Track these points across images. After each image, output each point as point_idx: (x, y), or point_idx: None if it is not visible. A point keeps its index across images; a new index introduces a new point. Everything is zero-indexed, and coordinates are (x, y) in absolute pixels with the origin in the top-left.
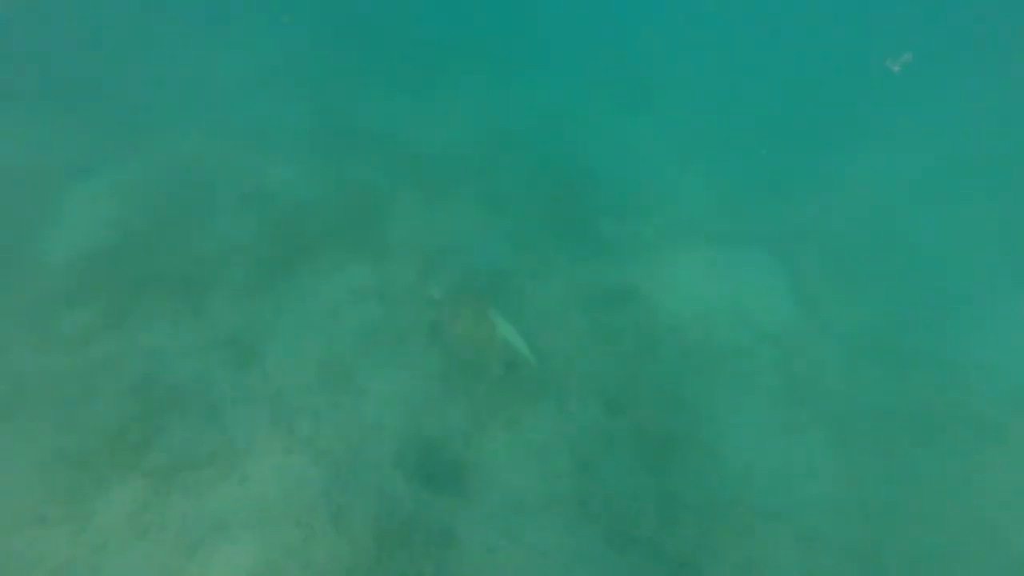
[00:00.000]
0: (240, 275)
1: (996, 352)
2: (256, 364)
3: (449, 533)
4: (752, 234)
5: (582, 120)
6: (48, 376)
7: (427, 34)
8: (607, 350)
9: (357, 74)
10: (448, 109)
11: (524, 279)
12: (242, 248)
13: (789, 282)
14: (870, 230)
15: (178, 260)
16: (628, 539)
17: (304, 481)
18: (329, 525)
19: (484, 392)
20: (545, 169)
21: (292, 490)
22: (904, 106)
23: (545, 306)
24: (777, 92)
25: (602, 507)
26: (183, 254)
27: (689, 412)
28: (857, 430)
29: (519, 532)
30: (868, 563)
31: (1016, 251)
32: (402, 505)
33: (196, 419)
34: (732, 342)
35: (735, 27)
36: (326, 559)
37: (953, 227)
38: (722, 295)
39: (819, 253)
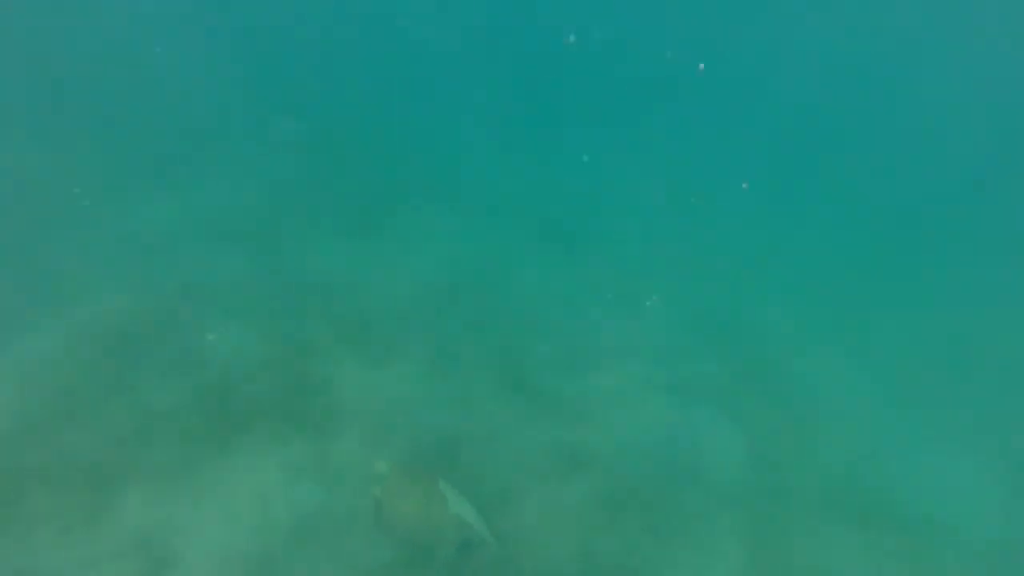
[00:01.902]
0: (160, 455)
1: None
2: (169, 573)
3: None
4: (702, 386)
5: (527, 268)
6: None
7: (368, 181)
8: (567, 525)
9: (297, 225)
10: (391, 259)
11: (476, 446)
12: (165, 421)
13: (744, 438)
14: (811, 372)
15: (86, 442)
16: None
17: None
18: None
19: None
20: (492, 322)
21: None
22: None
23: (499, 476)
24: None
25: None
26: (94, 434)
27: None
28: None
29: None
30: None
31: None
32: None
33: None
34: (694, 508)
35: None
36: None
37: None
38: (678, 455)
39: (768, 403)
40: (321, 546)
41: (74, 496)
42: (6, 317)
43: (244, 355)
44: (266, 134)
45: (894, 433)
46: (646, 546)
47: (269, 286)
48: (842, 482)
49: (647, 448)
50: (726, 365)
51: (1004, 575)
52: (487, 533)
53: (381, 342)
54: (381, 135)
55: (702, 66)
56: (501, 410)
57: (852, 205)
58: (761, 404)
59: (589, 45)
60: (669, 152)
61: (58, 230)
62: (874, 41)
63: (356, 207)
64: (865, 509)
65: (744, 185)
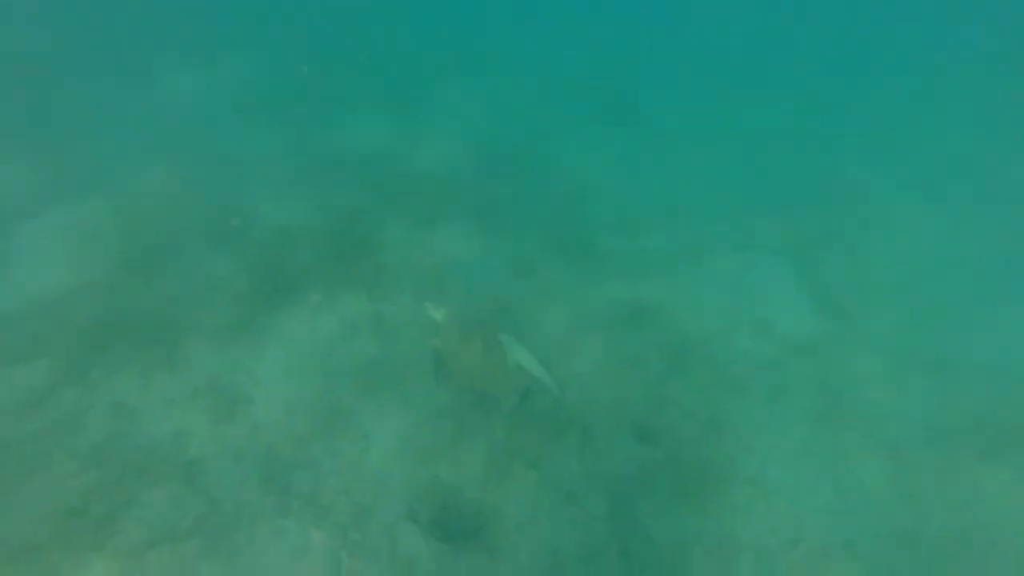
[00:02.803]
0: (217, 316)
1: None
2: (241, 414)
3: None
4: (768, 242)
5: (575, 134)
6: None
7: (406, 48)
8: (630, 374)
9: (334, 97)
10: (433, 127)
11: (531, 304)
12: (218, 285)
13: (814, 291)
14: (895, 233)
15: (146, 302)
16: None
17: (305, 550)
18: None
19: (501, 429)
20: (540, 188)
21: (292, 559)
22: (917, 106)
23: (557, 331)
24: (785, 93)
25: (648, 556)
26: (152, 296)
27: (727, 438)
28: (911, 448)
29: None
30: None
31: None
32: (421, 566)
33: (173, 485)
34: (762, 356)
35: (732, 31)
36: None
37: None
38: (744, 307)
39: (843, 260)
40: (384, 394)
41: (148, 347)
42: (50, 192)
43: (289, 222)
44: (293, 8)
45: (963, 288)
46: (716, 394)
47: (307, 157)
48: (914, 329)
49: (712, 301)
50: (791, 220)
51: None
52: (550, 381)
53: (426, 207)
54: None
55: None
56: (555, 268)
57: None
58: (829, 256)
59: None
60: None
61: (87, 108)
62: None
63: (393, 80)
64: (938, 355)
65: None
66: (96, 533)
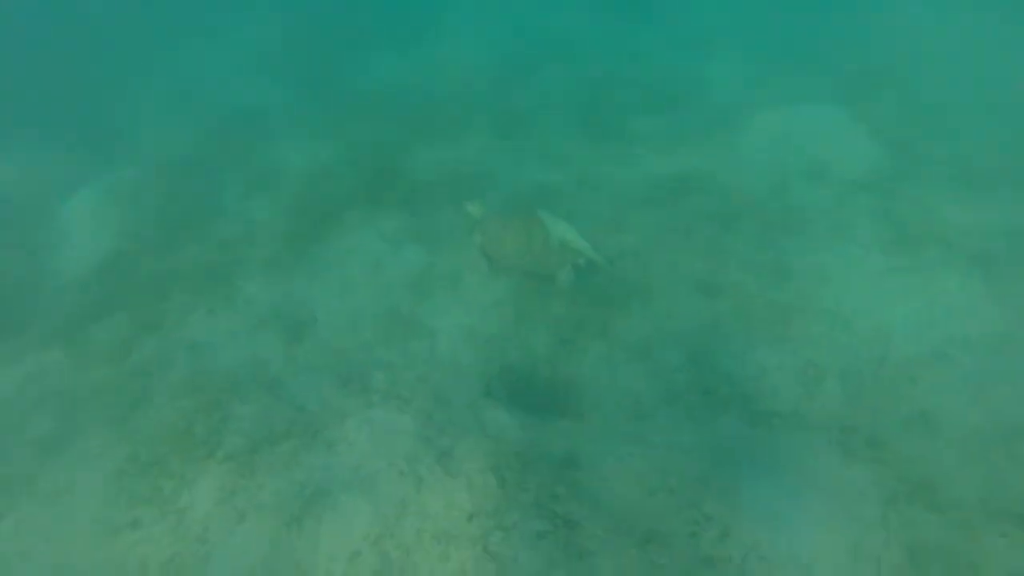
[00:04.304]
0: (265, 252)
1: None
2: (308, 334)
3: (572, 454)
4: (812, 93)
5: (592, 32)
6: (97, 391)
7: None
8: (681, 239)
9: (338, 46)
10: (440, 60)
11: (570, 191)
12: (260, 226)
13: (867, 130)
14: (943, 66)
15: (196, 251)
16: (771, 415)
17: (395, 432)
18: (438, 469)
19: (561, 307)
20: (564, 88)
21: (385, 443)
22: None
23: (598, 211)
24: None
25: (732, 390)
26: (200, 244)
27: (796, 278)
28: (996, 258)
29: (647, 435)
30: None
31: None
32: (511, 436)
33: (261, 399)
34: (821, 200)
35: None
36: (444, 504)
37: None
38: (793, 158)
39: (895, 95)
40: (440, 295)
41: (208, 291)
42: (88, 166)
43: (319, 163)
44: None
45: None
46: (778, 240)
47: (324, 100)
48: (979, 150)
49: (759, 159)
50: (832, 69)
51: None
52: (596, 254)
53: (453, 127)
54: None
55: None
56: (589, 156)
57: None
58: (879, 94)
59: None
60: None
61: (112, 82)
62: None
63: (399, 22)
64: (1008, 170)
65: None
66: (204, 446)
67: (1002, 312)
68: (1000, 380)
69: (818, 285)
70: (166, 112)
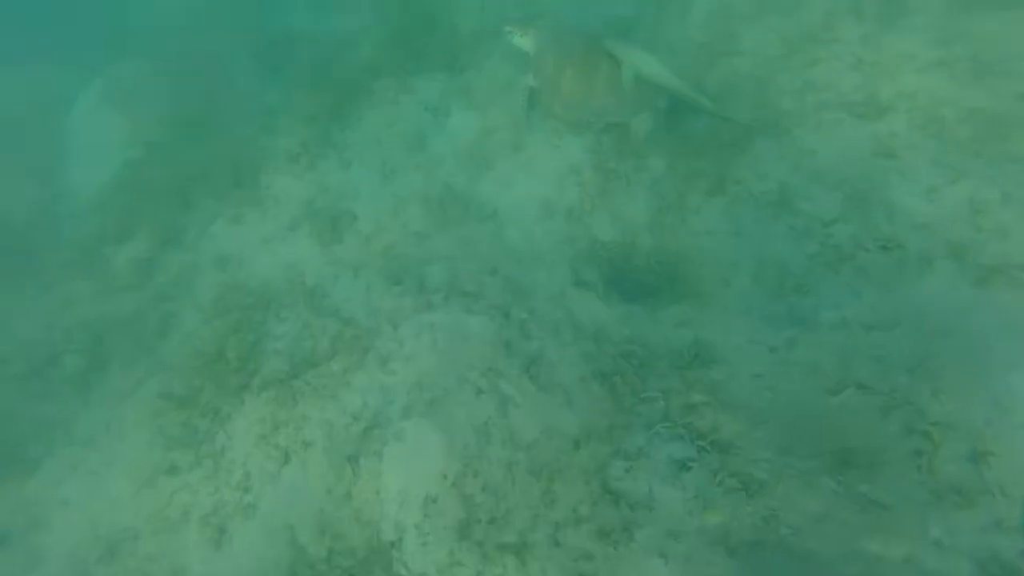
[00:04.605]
0: (289, 141)
1: None
2: (348, 232)
3: (702, 347)
4: None
5: None
6: (122, 321)
7: None
8: (820, 48)
9: None
10: None
11: (648, 22)
12: (280, 111)
13: None
14: None
15: (211, 149)
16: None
17: (465, 337)
18: (526, 382)
19: (657, 159)
20: None
21: (453, 353)
22: None
23: (690, 33)
24: None
25: (929, 239)
26: (214, 141)
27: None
28: None
29: (807, 313)
30: None
31: None
32: (615, 331)
33: (299, 313)
34: None
35: None
36: (540, 428)
37: None
38: None
39: None
40: (501, 165)
41: (231, 193)
42: (87, 69)
43: (336, 20)
44: None
45: None
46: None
47: None
48: None
49: None
50: None
51: None
52: (693, 91)
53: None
54: None
55: None
56: None
57: None
58: None
59: None
60: None
61: None
62: None
63: None
64: None
65: None
66: (239, 374)
67: None
68: None
69: None
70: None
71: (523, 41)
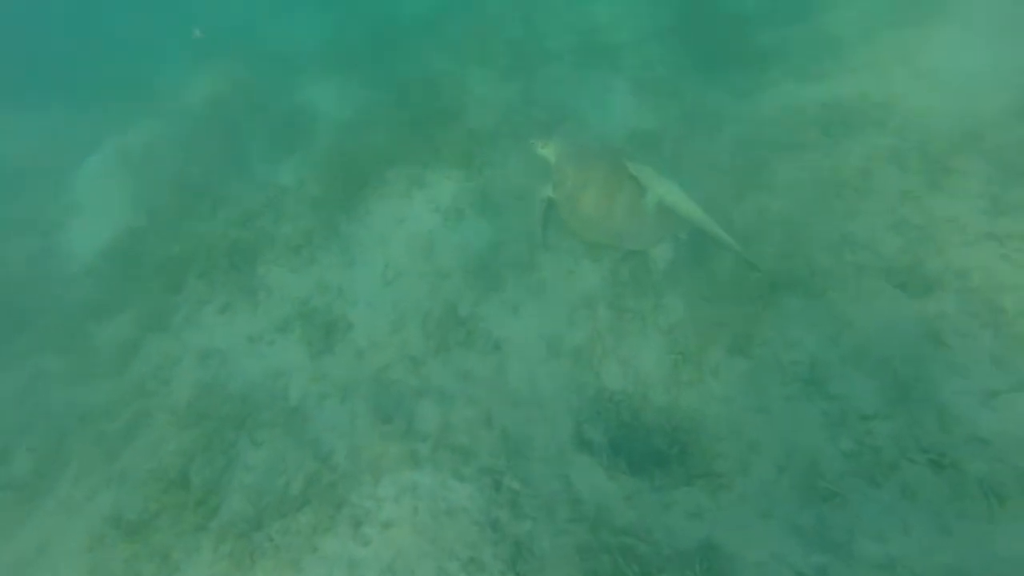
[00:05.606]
0: (292, 228)
1: None
2: (340, 343)
3: (712, 549)
4: None
5: None
6: (90, 415)
7: None
8: (855, 200)
9: None
10: None
11: (677, 133)
12: (287, 193)
13: None
14: None
15: (213, 226)
16: None
17: (450, 515)
18: (508, 572)
19: (675, 300)
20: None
21: (435, 533)
22: None
23: (716, 161)
24: None
25: (987, 455)
26: (217, 217)
27: None
28: None
29: (838, 533)
30: None
31: None
32: (614, 514)
33: (276, 438)
34: None
35: None
36: None
37: None
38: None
39: None
40: (510, 287)
41: (223, 277)
42: (99, 127)
43: (355, 106)
44: None
45: None
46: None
47: (360, 31)
48: None
49: (967, 71)
50: None
51: None
52: (718, 229)
53: (511, 54)
54: None
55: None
56: (704, 84)
57: None
58: None
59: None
60: None
61: (119, 21)
62: None
63: None
64: None
65: None
66: (200, 508)
67: None
68: None
69: None
70: (183, 59)
71: (545, 151)
